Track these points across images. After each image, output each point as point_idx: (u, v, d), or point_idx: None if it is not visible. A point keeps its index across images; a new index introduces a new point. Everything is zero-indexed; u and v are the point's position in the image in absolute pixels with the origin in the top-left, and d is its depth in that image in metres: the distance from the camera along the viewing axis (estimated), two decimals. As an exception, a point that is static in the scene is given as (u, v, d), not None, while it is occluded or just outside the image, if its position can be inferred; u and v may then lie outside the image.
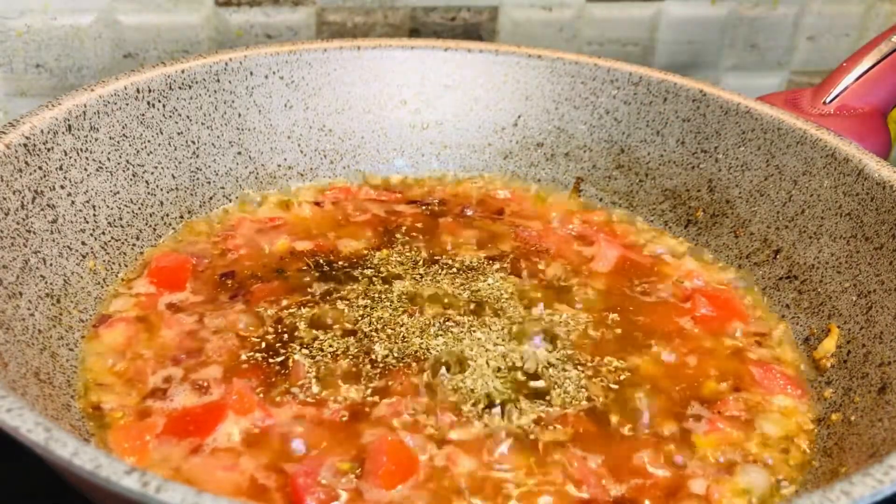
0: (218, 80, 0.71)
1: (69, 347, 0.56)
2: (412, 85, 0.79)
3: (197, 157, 0.71)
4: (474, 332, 0.60)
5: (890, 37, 0.80)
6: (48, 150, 0.59)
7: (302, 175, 0.77)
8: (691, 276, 0.69)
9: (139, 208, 0.66)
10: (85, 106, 0.62)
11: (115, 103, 0.64)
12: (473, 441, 0.52)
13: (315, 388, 0.54)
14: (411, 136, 0.81)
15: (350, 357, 0.57)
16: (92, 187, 0.62)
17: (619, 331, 0.62)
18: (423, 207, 0.75)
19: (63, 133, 0.60)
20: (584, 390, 0.56)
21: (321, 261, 0.66)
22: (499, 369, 0.57)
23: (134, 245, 0.65)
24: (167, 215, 0.69)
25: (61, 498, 0.51)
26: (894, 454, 0.42)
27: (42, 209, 0.58)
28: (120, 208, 0.65)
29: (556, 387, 0.56)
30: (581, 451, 0.52)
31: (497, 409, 0.54)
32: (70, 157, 0.61)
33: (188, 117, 0.70)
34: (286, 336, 0.58)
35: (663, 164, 0.76)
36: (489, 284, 0.65)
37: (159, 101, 0.68)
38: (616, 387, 0.57)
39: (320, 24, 0.94)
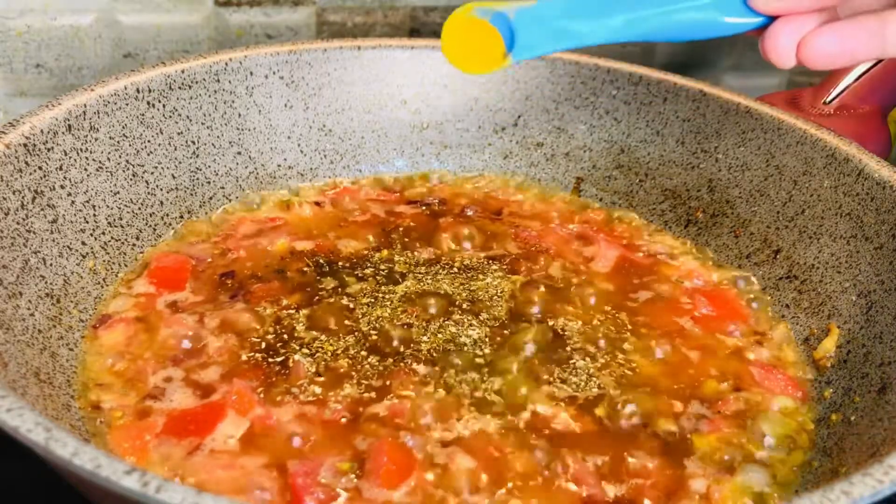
0: (218, 80, 0.71)
1: (69, 347, 0.56)
2: (412, 85, 0.80)
3: (197, 157, 0.71)
4: (473, 330, 0.60)
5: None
6: (48, 150, 0.59)
7: (302, 175, 0.77)
8: (691, 276, 0.69)
9: (139, 208, 0.66)
10: (85, 106, 0.62)
11: (115, 103, 0.64)
12: (474, 439, 0.52)
13: (315, 388, 0.54)
14: (411, 136, 0.81)
15: (350, 357, 0.57)
16: (92, 187, 0.63)
17: (618, 331, 0.62)
18: (423, 207, 0.75)
19: (63, 133, 0.60)
20: (595, 380, 0.56)
21: (321, 261, 0.66)
22: (498, 367, 0.57)
23: (134, 245, 0.66)
24: (167, 215, 0.69)
25: (61, 498, 0.51)
26: (894, 454, 0.41)
27: (42, 209, 0.58)
28: (120, 208, 0.65)
29: (557, 382, 0.56)
30: (581, 451, 0.52)
31: (496, 406, 0.54)
32: (70, 157, 0.61)
33: (188, 117, 0.70)
34: (286, 336, 0.58)
35: (663, 164, 0.76)
36: (489, 284, 0.65)
37: (159, 101, 0.68)
38: (616, 386, 0.57)
39: (320, 24, 0.94)
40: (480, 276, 0.66)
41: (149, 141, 0.67)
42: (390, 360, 0.57)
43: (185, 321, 0.59)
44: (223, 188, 0.73)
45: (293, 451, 0.50)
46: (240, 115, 0.73)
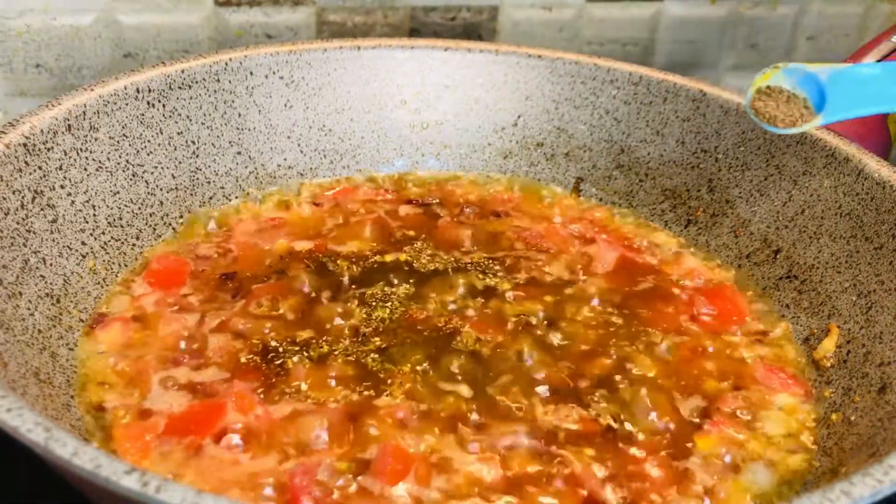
0: (218, 80, 0.71)
1: (69, 347, 0.56)
2: (412, 85, 0.79)
3: (197, 157, 0.71)
4: (473, 330, 0.60)
5: (890, 37, 0.80)
6: (48, 150, 0.59)
7: (302, 175, 0.77)
8: (691, 276, 0.69)
9: (139, 208, 0.66)
10: (85, 106, 0.62)
11: (115, 103, 0.64)
12: (476, 440, 0.52)
13: (314, 389, 0.54)
14: (411, 136, 0.81)
15: (350, 357, 0.57)
16: (92, 187, 0.63)
17: (618, 330, 0.62)
18: (423, 207, 0.75)
19: (63, 133, 0.60)
20: (595, 380, 0.56)
21: (321, 261, 0.66)
22: (499, 367, 0.57)
23: (134, 245, 0.65)
24: (167, 215, 0.69)
25: (61, 498, 0.51)
26: (894, 454, 0.42)
27: (42, 209, 0.58)
28: (120, 208, 0.65)
29: (558, 381, 0.56)
30: (583, 451, 0.52)
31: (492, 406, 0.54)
32: (70, 157, 0.61)
33: (188, 117, 0.70)
34: (286, 336, 0.58)
35: (663, 164, 0.76)
36: (488, 284, 0.65)
37: (159, 101, 0.68)
38: (616, 386, 0.56)
39: (320, 24, 0.94)
40: (480, 276, 0.66)
41: (149, 141, 0.67)
42: (390, 360, 0.57)
43: (185, 321, 0.59)
44: (223, 188, 0.73)
45: (292, 452, 0.50)
46: (240, 115, 0.73)
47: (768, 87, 0.53)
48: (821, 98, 0.51)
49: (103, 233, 0.63)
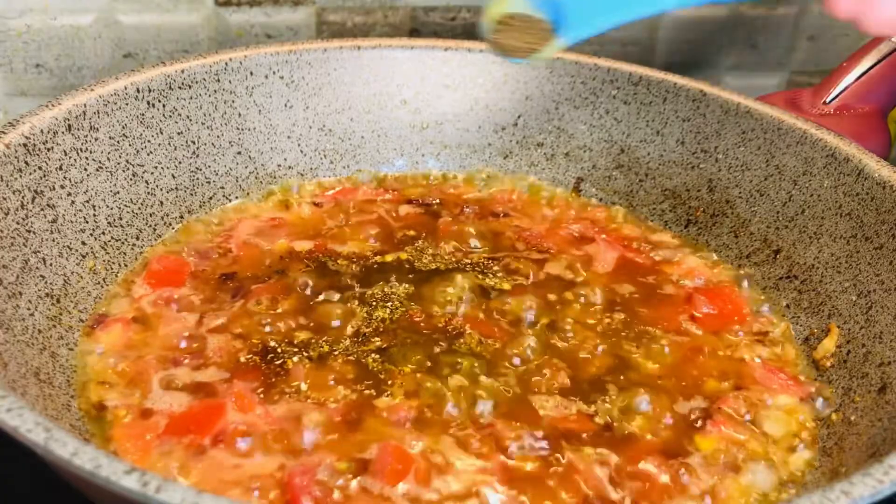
0: (218, 80, 0.71)
1: (69, 347, 0.56)
2: (412, 85, 0.80)
3: (197, 157, 0.71)
4: (473, 330, 0.60)
5: (890, 37, 0.80)
6: (48, 150, 0.59)
7: (302, 175, 0.77)
8: (692, 276, 0.69)
9: (139, 208, 0.66)
10: (85, 106, 0.62)
11: (115, 103, 0.64)
12: (476, 439, 0.52)
13: (314, 389, 0.54)
14: (411, 136, 0.81)
15: (350, 357, 0.57)
16: (92, 187, 0.63)
17: (619, 330, 0.62)
18: (423, 207, 0.75)
19: (63, 133, 0.60)
20: (596, 380, 0.56)
21: (321, 261, 0.66)
22: (499, 367, 0.57)
23: (134, 245, 0.66)
24: (167, 215, 0.69)
25: (61, 498, 0.51)
26: (894, 454, 0.42)
27: (42, 209, 0.58)
28: (120, 208, 0.65)
29: (558, 382, 0.56)
30: (584, 451, 0.52)
31: (489, 407, 0.54)
32: (70, 157, 0.61)
33: (188, 117, 0.70)
34: (286, 336, 0.58)
35: (663, 164, 0.76)
36: (489, 284, 0.65)
37: (159, 101, 0.68)
38: (617, 386, 0.56)
39: (320, 24, 0.94)
40: (480, 276, 0.66)
41: (149, 141, 0.67)
42: (390, 360, 0.57)
43: (185, 321, 0.59)
44: (223, 188, 0.73)
45: (292, 451, 0.50)
46: (240, 115, 0.73)
47: (508, 16, 0.50)
48: (560, 17, 0.48)
49: (103, 233, 0.63)
